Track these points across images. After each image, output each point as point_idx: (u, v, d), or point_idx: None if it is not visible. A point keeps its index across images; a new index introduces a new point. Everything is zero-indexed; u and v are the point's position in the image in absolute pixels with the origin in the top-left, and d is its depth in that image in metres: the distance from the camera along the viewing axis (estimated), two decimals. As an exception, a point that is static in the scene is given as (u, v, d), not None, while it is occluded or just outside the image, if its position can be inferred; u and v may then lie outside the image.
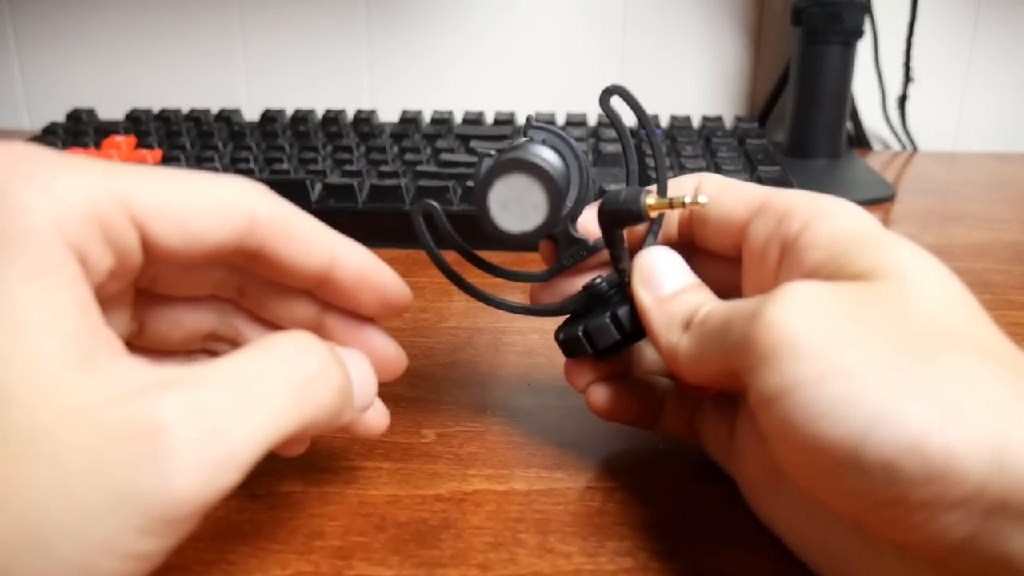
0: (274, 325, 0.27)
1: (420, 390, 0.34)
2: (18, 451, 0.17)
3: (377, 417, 0.27)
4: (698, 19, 0.72)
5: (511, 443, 0.31)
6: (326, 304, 0.27)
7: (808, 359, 0.19)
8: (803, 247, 0.23)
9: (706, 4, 0.71)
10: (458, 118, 0.61)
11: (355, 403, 0.24)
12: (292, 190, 0.49)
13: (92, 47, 0.74)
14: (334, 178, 0.50)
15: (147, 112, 0.61)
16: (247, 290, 0.27)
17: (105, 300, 0.22)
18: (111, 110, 0.69)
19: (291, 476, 0.29)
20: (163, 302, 0.26)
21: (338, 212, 0.49)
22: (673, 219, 0.28)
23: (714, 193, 0.27)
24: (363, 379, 0.25)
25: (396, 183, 0.49)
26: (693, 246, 0.28)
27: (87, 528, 0.17)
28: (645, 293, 0.26)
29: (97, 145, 0.56)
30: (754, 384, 0.20)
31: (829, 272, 0.22)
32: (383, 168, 0.51)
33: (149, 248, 0.22)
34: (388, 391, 0.34)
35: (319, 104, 0.69)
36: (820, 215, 0.24)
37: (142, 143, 0.56)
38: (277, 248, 0.24)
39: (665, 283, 0.26)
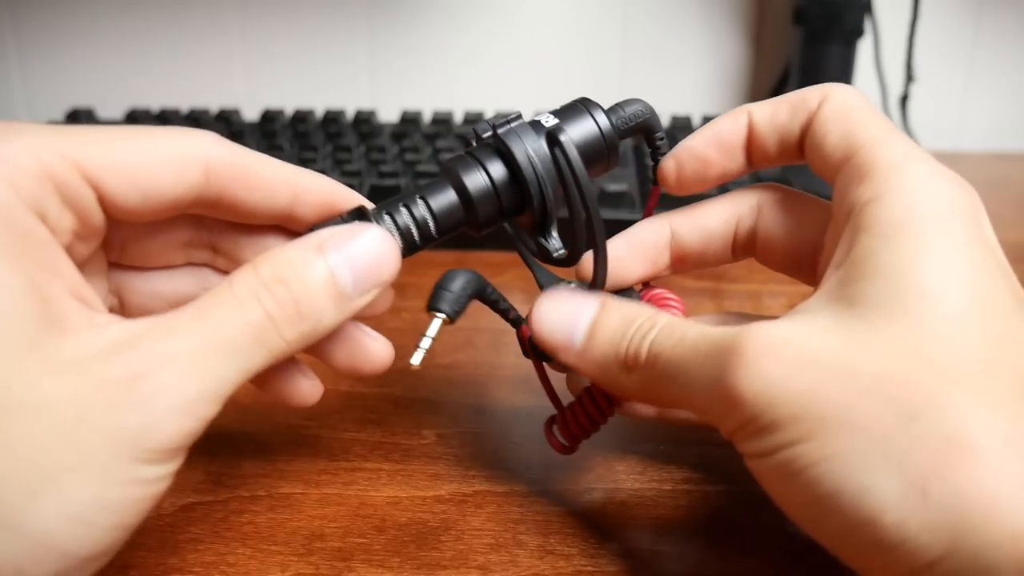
0: None
1: (420, 391, 0.34)
2: (8, 404, 0.18)
3: (306, 384, 0.26)
4: (698, 18, 0.72)
5: (511, 444, 0.31)
6: None
7: (784, 430, 0.19)
8: (862, 227, 0.21)
9: (706, 3, 0.71)
10: (458, 118, 0.61)
11: (352, 290, 0.22)
12: (292, 190, 0.49)
13: (92, 47, 0.74)
14: (333, 178, 0.50)
15: (146, 112, 0.61)
16: (219, 246, 0.26)
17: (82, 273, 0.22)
18: (110, 109, 0.69)
19: (291, 477, 0.29)
20: (139, 274, 0.26)
21: (338, 212, 0.48)
22: (794, 125, 0.25)
23: (829, 118, 0.24)
24: (362, 260, 0.22)
25: (396, 183, 0.49)
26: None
27: (89, 465, 0.18)
28: (562, 356, 0.24)
29: (96, 145, 0.55)
30: (732, 439, 0.21)
31: (853, 277, 0.21)
32: (383, 168, 0.51)
33: (107, 206, 0.22)
34: (388, 392, 0.34)
35: (319, 104, 0.69)
36: (893, 179, 0.21)
37: (142, 143, 0.56)
38: (237, 193, 0.24)
39: (573, 336, 0.24)
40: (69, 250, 0.22)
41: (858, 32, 0.62)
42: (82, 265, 0.23)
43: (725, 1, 0.71)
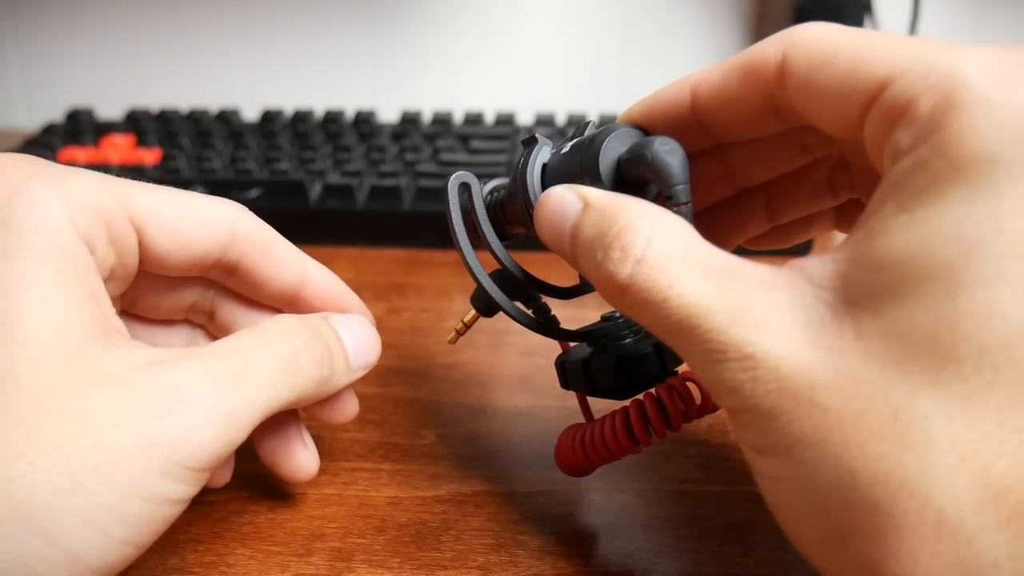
0: None
1: (420, 391, 0.34)
2: (50, 408, 0.19)
3: (349, 403, 0.27)
4: (698, 18, 0.72)
5: (511, 444, 0.31)
6: None
7: (753, 441, 0.18)
8: (888, 188, 0.17)
9: (706, 3, 0.71)
10: (458, 118, 0.61)
11: (352, 363, 0.25)
12: (291, 190, 0.49)
13: (92, 46, 0.74)
14: (334, 178, 0.50)
15: (146, 112, 0.61)
16: (217, 313, 0.27)
17: None
18: (110, 109, 0.69)
19: (291, 477, 0.29)
20: (140, 324, 0.27)
21: (338, 212, 0.48)
22: (752, 94, 0.21)
23: (814, 66, 0.20)
24: (360, 341, 0.26)
25: (396, 183, 0.49)
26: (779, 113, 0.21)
27: (118, 471, 0.19)
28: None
29: (96, 144, 0.55)
30: (734, 428, 0.19)
31: (861, 266, 0.17)
32: (383, 168, 0.51)
33: (144, 250, 0.23)
34: (388, 392, 0.34)
35: (319, 104, 0.69)
36: (945, 120, 0.16)
37: (141, 142, 0.56)
38: (255, 262, 0.25)
39: (563, 246, 0.21)
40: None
41: (858, 32, 0.62)
42: None
43: (725, 1, 0.71)
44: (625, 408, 0.24)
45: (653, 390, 0.24)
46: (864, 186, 0.24)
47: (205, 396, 0.20)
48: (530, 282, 0.26)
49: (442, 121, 0.59)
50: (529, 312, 0.26)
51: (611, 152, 0.22)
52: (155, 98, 0.72)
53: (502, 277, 0.26)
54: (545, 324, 0.26)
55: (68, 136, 0.57)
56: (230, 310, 0.27)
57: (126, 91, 0.74)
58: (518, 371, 0.36)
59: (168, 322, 0.27)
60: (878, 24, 0.69)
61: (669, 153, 0.21)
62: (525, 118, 0.68)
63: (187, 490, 0.20)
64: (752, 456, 0.18)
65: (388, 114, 0.69)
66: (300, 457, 0.26)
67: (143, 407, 0.19)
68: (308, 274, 0.26)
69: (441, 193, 0.26)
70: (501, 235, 0.26)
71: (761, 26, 0.72)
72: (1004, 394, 0.15)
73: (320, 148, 0.54)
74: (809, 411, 0.16)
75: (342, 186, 0.49)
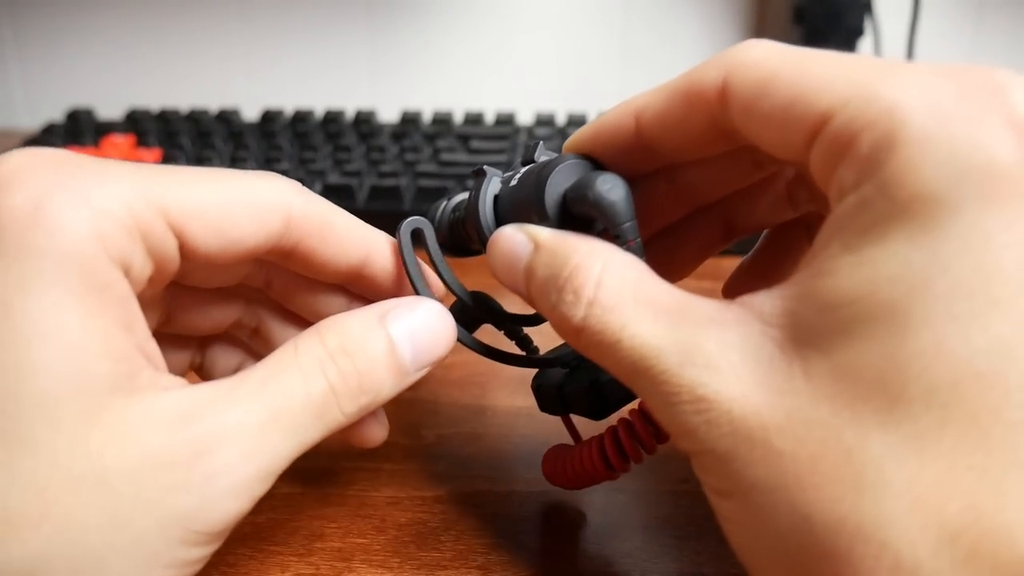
0: (297, 317, 0.27)
1: (420, 391, 0.34)
2: (68, 475, 0.18)
3: (375, 428, 0.26)
4: (698, 18, 0.72)
5: (511, 444, 0.31)
6: (354, 297, 0.26)
7: (711, 483, 0.18)
8: (832, 230, 0.17)
9: (706, 3, 0.71)
10: (458, 118, 0.61)
11: (409, 367, 0.22)
12: (292, 190, 0.49)
13: (91, 46, 0.74)
14: (334, 178, 0.50)
15: (146, 111, 0.61)
16: (274, 282, 0.26)
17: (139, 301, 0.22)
18: (110, 109, 0.69)
19: (290, 477, 0.29)
20: (193, 293, 0.26)
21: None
22: (694, 120, 0.20)
23: (755, 93, 0.18)
24: (422, 337, 0.23)
25: (396, 183, 0.49)
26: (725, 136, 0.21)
27: (137, 546, 0.18)
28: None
29: (96, 144, 0.55)
30: (695, 470, 0.19)
31: (809, 306, 0.17)
32: (383, 168, 0.51)
33: (186, 252, 0.21)
34: (388, 392, 0.34)
35: (319, 103, 0.69)
36: (886, 157, 0.16)
37: (141, 142, 0.56)
38: (312, 246, 0.24)
39: (518, 286, 0.22)
40: (140, 292, 0.21)
41: (858, 32, 0.62)
42: (144, 296, 0.23)
43: (725, 1, 0.71)
44: (600, 436, 0.24)
45: (628, 414, 0.24)
46: (824, 199, 0.24)
47: (226, 461, 0.19)
48: (489, 312, 0.26)
49: (442, 121, 0.59)
50: (502, 333, 0.27)
51: (556, 188, 0.22)
52: (155, 98, 0.72)
53: (461, 309, 0.26)
54: (506, 353, 0.26)
55: (68, 136, 0.57)
56: (286, 284, 0.26)
57: (126, 91, 0.74)
58: (518, 371, 0.35)
59: (223, 288, 0.26)
60: (878, 24, 0.70)
61: (611, 192, 0.21)
62: (525, 118, 0.68)
63: (208, 549, 0.20)
64: (713, 499, 0.18)
65: (388, 114, 0.69)
66: (369, 427, 0.26)
67: (162, 476, 0.18)
68: (372, 250, 0.25)
69: (402, 229, 0.25)
70: (466, 251, 0.26)
71: (761, 26, 0.72)
72: (955, 433, 0.15)
73: (320, 148, 0.54)
74: (764, 455, 0.16)
75: (342, 186, 0.49)
